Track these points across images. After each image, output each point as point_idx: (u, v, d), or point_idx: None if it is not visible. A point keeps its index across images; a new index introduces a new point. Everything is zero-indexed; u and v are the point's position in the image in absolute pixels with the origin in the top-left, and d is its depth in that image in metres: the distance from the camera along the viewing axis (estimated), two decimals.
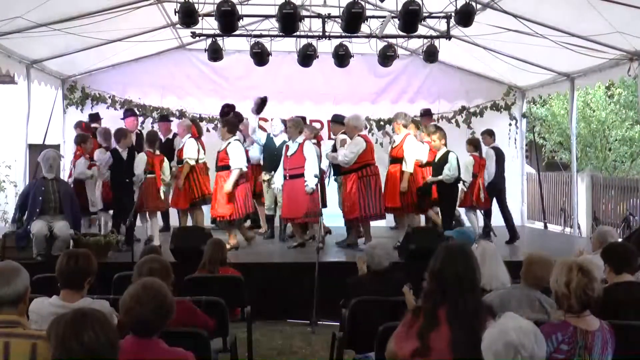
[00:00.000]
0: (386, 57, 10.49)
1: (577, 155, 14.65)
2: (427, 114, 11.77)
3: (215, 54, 10.37)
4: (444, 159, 9.64)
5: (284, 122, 10.66)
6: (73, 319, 2.57)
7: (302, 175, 9.59)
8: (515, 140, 13.93)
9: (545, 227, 14.03)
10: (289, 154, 9.82)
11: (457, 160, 9.70)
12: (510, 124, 13.87)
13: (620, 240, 7.22)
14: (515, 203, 13.92)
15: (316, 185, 9.63)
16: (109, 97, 13.03)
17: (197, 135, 10.84)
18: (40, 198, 8.25)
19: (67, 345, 2.50)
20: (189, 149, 10.40)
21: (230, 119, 10.45)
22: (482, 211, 10.95)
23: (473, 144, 10.88)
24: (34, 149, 11.00)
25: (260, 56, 10.28)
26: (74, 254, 4.02)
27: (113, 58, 12.41)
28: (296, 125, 9.92)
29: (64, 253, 4.09)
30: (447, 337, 3.32)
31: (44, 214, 8.27)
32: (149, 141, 10.09)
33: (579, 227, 13.22)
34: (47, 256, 8.00)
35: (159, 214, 10.40)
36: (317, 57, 10.33)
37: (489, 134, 11.37)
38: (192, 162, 10.34)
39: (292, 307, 8.11)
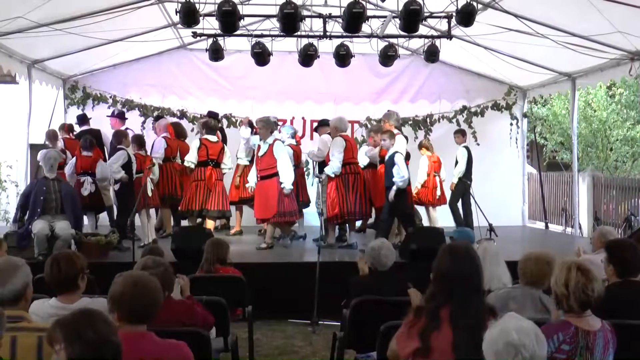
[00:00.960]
0: (387, 57, 10.47)
1: (578, 155, 14.62)
2: None
3: (216, 53, 10.37)
4: (391, 161, 9.44)
5: (250, 122, 10.97)
6: (76, 318, 2.59)
7: (273, 175, 9.69)
8: (517, 140, 13.94)
9: (547, 227, 14.03)
10: (260, 154, 9.89)
11: (404, 160, 9.64)
12: (511, 124, 13.88)
13: None
14: (516, 203, 13.98)
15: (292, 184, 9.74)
16: (110, 97, 13.04)
17: (174, 136, 10.94)
18: (42, 198, 8.25)
19: (73, 342, 2.52)
20: (155, 148, 10.66)
21: (207, 121, 10.77)
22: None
23: (424, 146, 11.44)
24: (35, 149, 11.02)
25: (261, 56, 10.27)
26: (55, 260, 3.92)
27: (114, 58, 12.41)
28: (266, 126, 9.96)
29: (47, 261, 3.97)
30: (448, 337, 3.32)
31: (45, 214, 8.27)
32: (137, 144, 10.21)
33: (580, 227, 13.24)
34: (48, 256, 7.97)
35: (152, 211, 10.47)
36: (318, 57, 10.33)
37: (462, 133, 11.78)
38: (158, 161, 10.46)
39: (293, 307, 8.10)
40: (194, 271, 6.19)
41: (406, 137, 10.63)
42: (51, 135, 10.50)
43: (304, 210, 11.35)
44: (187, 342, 3.26)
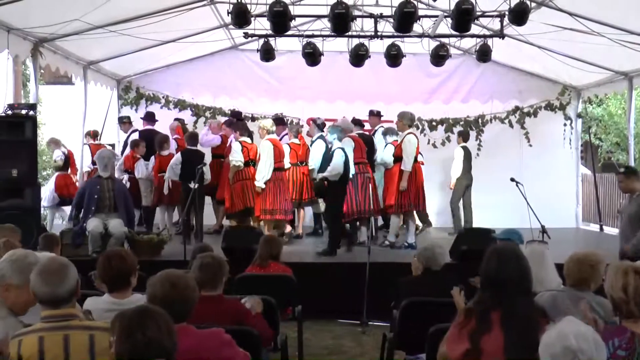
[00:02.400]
0: (438, 56, 10.39)
1: (635, 156, 14.25)
2: (377, 114, 11.66)
3: (267, 54, 10.42)
4: (332, 155, 9.49)
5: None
6: (131, 317, 2.64)
7: None
8: (570, 140, 13.68)
9: (601, 229, 13.72)
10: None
11: (346, 157, 9.49)
12: (565, 124, 13.63)
13: None
14: (570, 205, 13.74)
15: (277, 183, 9.81)
16: (163, 97, 13.26)
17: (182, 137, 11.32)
18: (96, 196, 8.43)
19: (123, 340, 2.57)
20: None
21: (238, 123, 10.94)
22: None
23: None
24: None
25: (312, 56, 10.29)
26: (107, 258, 4.02)
27: (167, 59, 12.62)
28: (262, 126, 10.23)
29: (99, 258, 4.08)
30: (499, 340, 3.29)
31: (99, 212, 8.44)
32: (159, 145, 10.73)
33: None
34: (101, 253, 8.16)
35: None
36: (369, 57, 10.30)
37: (460, 134, 12.32)
38: None
39: (342, 307, 8.10)
40: (242, 270, 6.24)
41: (416, 137, 10.47)
42: (51, 142, 11.38)
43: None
44: (237, 341, 3.29)
